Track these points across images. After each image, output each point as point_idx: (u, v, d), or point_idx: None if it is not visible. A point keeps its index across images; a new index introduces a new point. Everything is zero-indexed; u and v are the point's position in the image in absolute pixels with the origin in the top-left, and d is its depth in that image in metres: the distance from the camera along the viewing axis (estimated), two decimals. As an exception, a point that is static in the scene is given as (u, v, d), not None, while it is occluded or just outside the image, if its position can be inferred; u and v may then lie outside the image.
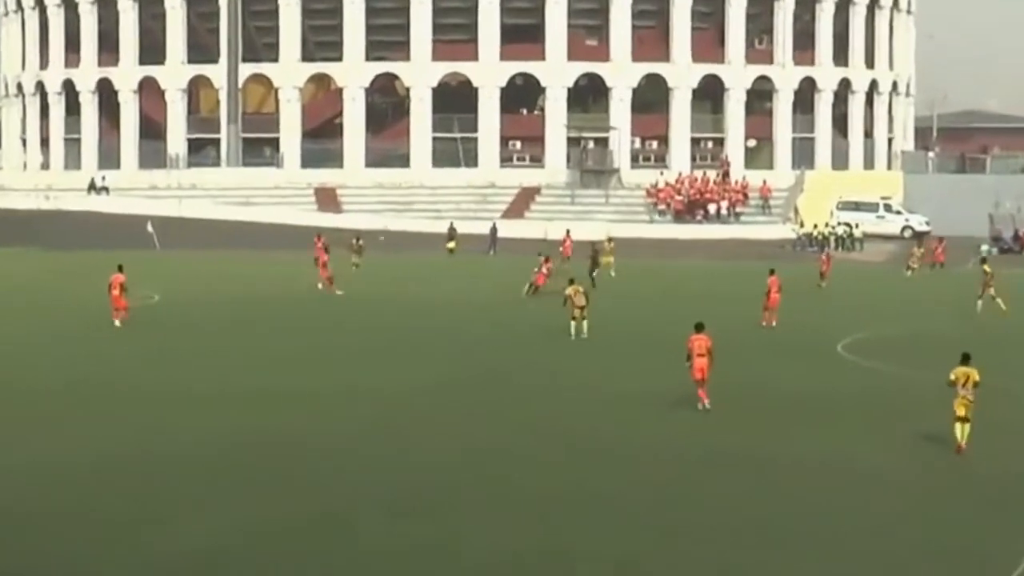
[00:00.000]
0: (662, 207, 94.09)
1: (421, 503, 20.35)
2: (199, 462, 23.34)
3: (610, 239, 66.00)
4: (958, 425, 23.77)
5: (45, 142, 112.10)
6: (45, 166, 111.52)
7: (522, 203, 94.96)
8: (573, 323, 39.24)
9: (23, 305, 48.82)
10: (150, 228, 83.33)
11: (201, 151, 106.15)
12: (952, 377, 23.91)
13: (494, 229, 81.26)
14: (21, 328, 41.93)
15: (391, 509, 20.05)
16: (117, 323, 40.87)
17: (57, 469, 22.62)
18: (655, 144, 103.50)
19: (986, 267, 49.36)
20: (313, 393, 29.73)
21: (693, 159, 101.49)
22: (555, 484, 21.57)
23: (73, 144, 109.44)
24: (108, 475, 22.46)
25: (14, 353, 36.30)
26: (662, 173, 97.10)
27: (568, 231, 71.88)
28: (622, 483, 21.81)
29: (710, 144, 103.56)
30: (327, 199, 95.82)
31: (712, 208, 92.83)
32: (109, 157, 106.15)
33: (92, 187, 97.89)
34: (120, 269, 41.97)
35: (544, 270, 51.42)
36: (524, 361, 35.35)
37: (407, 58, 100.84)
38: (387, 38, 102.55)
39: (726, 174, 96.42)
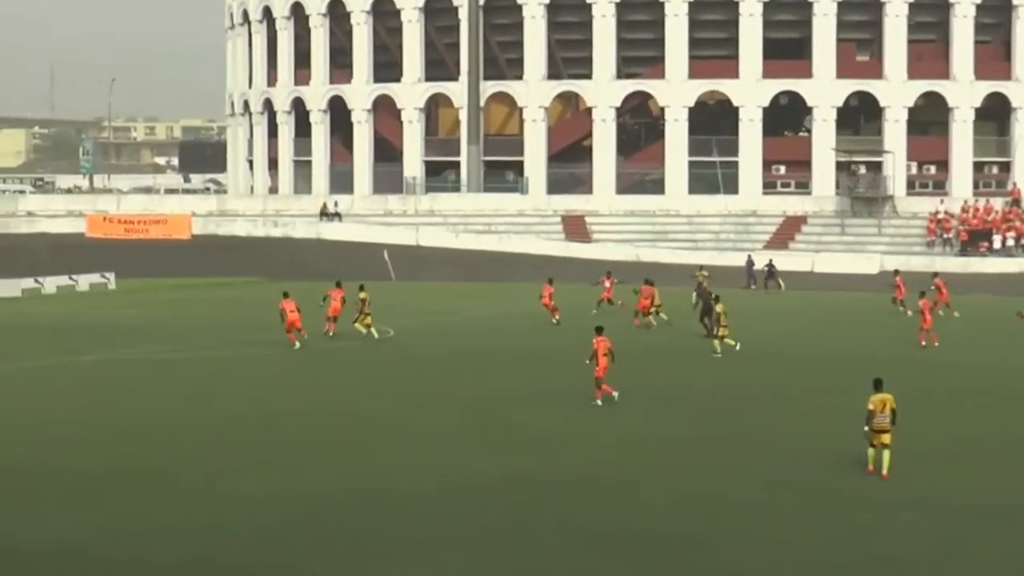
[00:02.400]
0: (948, 236, 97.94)
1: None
2: (445, 503, 25.36)
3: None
4: (874, 451, 27.74)
5: (273, 164, 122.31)
6: (273, 190, 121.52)
7: (786, 233, 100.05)
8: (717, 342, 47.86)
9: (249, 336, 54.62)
10: (386, 257, 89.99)
11: (439, 175, 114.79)
12: (870, 407, 27.58)
13: (750, 262, 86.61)
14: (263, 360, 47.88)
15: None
16: (297, 345, 49.30)
17: (301, 502, 25.41)
18: (933, 169, 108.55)
19: None
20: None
21: (976, 185, 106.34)
22: None
23: (303, 167, 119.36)
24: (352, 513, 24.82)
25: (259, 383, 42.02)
26: (942, 201, 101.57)
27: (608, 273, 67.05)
28: None
29: (995, 169, 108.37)
30: (575, 227, 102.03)
31: (997, 239, 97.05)
32: (341, 181, 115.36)
33: (324, 213, 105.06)
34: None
35: (607, 284, 62.64)
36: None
37: (662, 75, 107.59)
38: (640, 53, 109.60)
39: (1015, 202, 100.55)
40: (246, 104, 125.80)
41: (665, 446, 30.97)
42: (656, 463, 29.02)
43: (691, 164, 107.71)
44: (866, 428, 27.78)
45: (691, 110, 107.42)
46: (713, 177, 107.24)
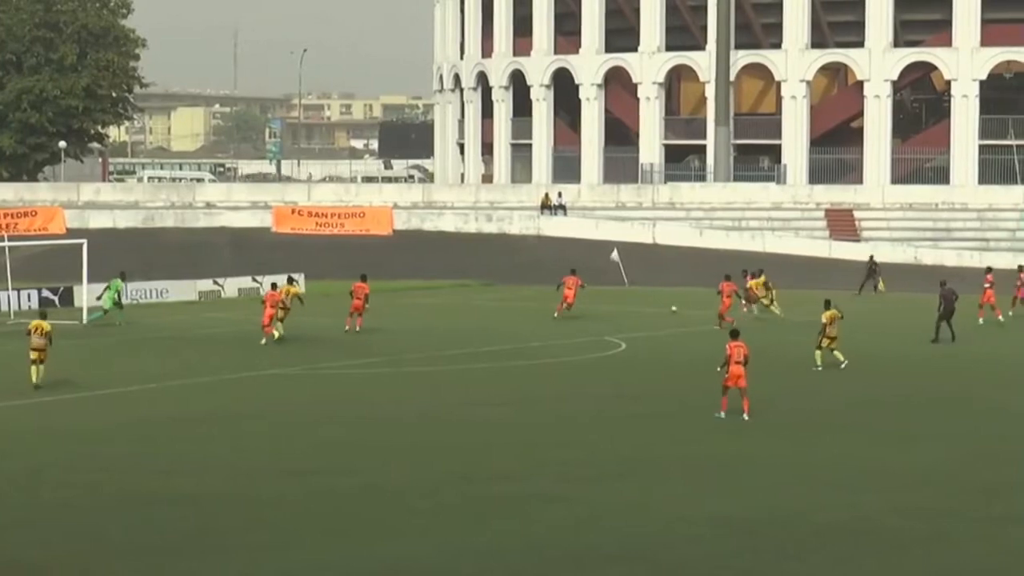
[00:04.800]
0: None
1: None
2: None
3: (760, 271, 70.65)
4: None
5: (487, 148, 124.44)
6: (487, 179, 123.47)
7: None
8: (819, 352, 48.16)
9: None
10: (615, 256, 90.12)
11: (681, 161, 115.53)
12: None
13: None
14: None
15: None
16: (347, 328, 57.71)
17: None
18: None
19: None
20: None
21: None
22: None
23: (522, 152, 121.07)
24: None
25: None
26: None
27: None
28: None
29: None
30: (842, 223, 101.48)
31: None
32: (566, 168, 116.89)
33: (545, 205, 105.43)
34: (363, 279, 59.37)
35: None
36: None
37: (948, 43, 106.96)
38: (922, 16, 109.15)
39: None
40: (456, 79, 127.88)
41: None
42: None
43: (982, 148, 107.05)
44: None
45: (983, 84, 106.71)
46: (1009, 163, 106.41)
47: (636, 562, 24.03)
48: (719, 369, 38.89)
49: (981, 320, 64.90)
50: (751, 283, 67.93)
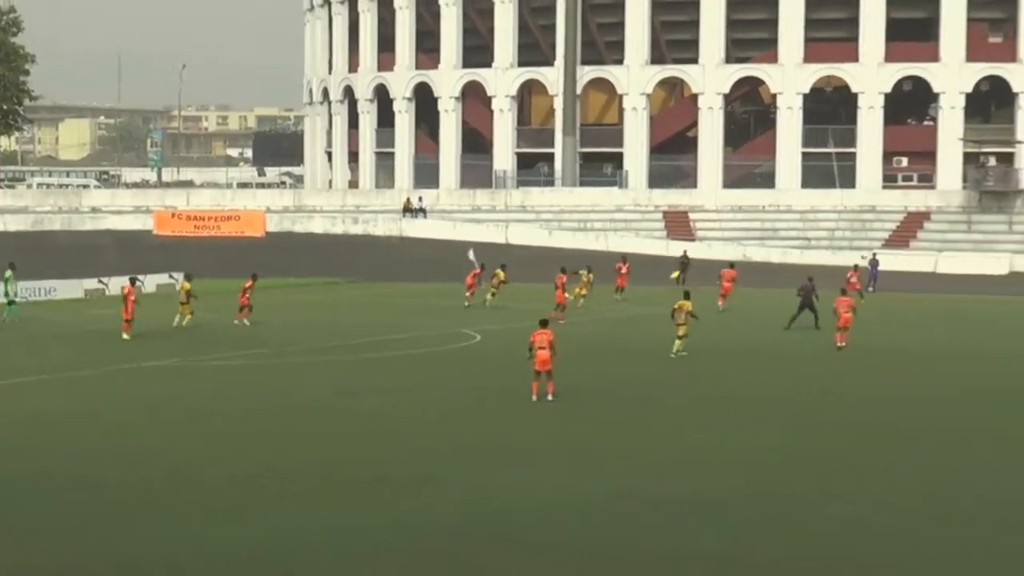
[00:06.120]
0: None
1: None
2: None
3: (589, 268, 70.64)
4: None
5: (354, 156, 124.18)
6: (353, 184, 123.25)
7: (908, 230, 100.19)
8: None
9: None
10: (471, 256, 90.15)
11: (532, 168, 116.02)
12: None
13: (874, 262, 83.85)
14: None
15: None
16: (237, 323, 57.51)
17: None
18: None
19: None
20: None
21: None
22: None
23: (385, 159, 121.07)
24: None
25: None
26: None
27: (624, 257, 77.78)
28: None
29: None
30: (678, 224, 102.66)
31: None
32: (426, 174, 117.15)
33: (407, 209, 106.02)
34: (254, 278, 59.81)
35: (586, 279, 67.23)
36: None
37: (774, 60, 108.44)
38: (751, 36, 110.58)
39: None
40: (325, 92, 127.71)
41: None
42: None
43: (805, 156, 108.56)
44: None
45: (806, 97, 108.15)
46: (828, 170, 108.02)
47: (514, 543, 23.91)
48: (528, 356, 38.60)
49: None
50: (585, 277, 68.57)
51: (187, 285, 57.83)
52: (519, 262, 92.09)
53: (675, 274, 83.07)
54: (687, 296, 50.04)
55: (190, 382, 43.21)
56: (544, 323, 38.90)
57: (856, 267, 73.73)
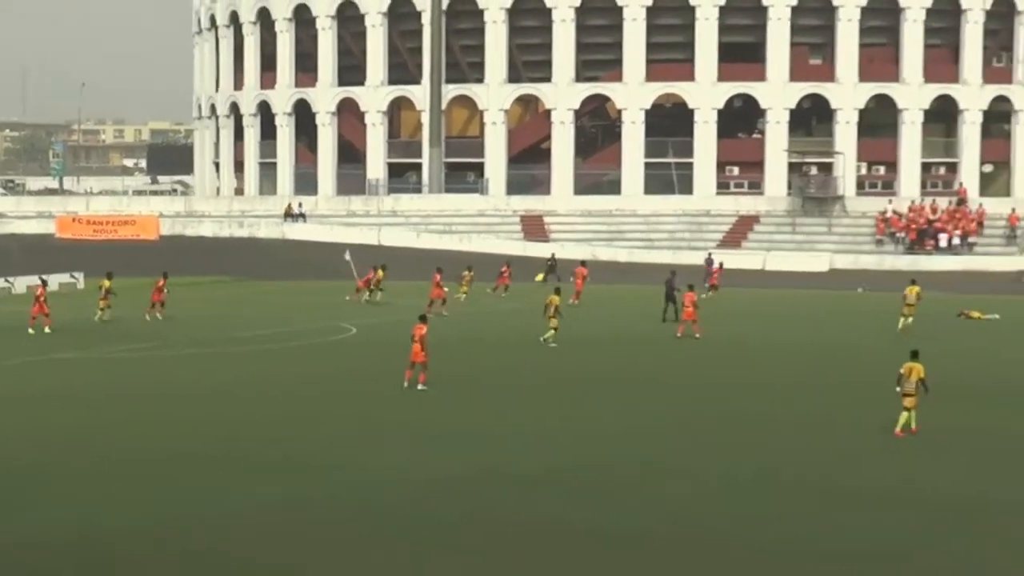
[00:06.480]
0: (899, 234, 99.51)
1: None
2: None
3: (470, 268, 72.78)
4: (904, 414, 31.36)
5: (239, 166, 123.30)
6: (239, 192, 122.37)
7: (739, 232, 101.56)
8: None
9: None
10: (348, 256, 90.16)
11: (402, 176, 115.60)
12: (901, 371, 31.57)
13: (709, 260, 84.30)
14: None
15: None
16: (148, 318, 57.15)
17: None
18: (882, 170, 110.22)
19: None
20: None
21: (923, 186, 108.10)
22: None
23: (268, 169, 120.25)
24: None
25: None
26: (891, 201, 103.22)
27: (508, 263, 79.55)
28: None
29: (942, 170, 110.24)
30: (534, 227, 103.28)
31: (943, 238, 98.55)
32: (305, 183, 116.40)
33: (288, 214, 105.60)
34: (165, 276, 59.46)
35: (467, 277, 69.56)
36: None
37: (619, 79, 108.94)
38: (598, 57, 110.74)
39: (961, 201, 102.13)
40: (213, 108, 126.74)
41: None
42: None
43: (647, 165, 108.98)
44: (897, 389, 31.65)
45: (648, 112, 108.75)
46: (668, 178, 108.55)
47: (385, 517, 24.06)
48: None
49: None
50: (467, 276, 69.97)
51: (107, 283, 57.40)
52: (391, 262, 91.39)
53: (539, 277, 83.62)
54: (557, 292, 51.22)
55: (100, 372, 43.02)
56: (423, 318, 39.12)
57: (721, 264, 76.84)
